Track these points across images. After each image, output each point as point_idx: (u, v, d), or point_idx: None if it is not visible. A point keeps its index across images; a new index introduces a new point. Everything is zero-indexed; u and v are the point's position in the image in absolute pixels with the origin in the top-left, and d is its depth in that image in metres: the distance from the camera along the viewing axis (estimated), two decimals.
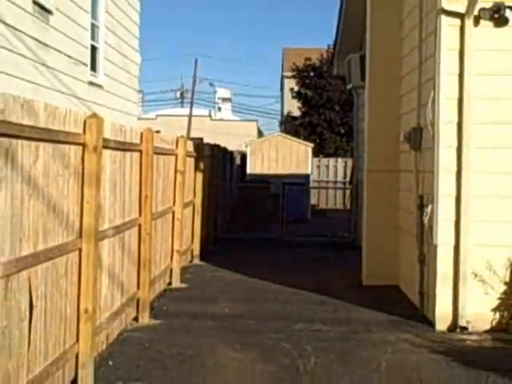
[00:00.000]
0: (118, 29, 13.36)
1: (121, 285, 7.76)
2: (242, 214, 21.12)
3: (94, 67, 12.07)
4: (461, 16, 8.34)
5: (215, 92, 57.13)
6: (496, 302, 8.61)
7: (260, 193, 21.83)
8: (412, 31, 10.20)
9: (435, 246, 8.69)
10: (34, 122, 4.77)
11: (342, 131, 32.93)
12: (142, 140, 8.39)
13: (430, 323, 8.82)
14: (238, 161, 24.48)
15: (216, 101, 56.81)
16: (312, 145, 26.99)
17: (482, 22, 8.36)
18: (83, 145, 5.88)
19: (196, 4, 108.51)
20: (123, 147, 7.52)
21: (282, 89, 48.64)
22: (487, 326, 8.58)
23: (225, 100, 57.77)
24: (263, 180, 23.14)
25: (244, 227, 19.73)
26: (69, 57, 10.67)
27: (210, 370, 6.92)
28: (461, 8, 8.31)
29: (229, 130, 39.21)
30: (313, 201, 26.54)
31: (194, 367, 6.96)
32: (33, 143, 4.82)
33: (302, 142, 27.08)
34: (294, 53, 39.75)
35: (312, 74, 33.18)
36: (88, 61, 11.77)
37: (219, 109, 55.30)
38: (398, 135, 11.03)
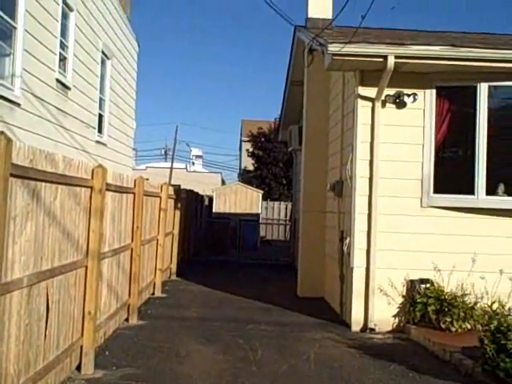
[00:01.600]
0: (119, 102, 13.37)
1: (116, 293, 7.66)
2: (208, 242, 21.03)
3: (100, 130, 12.03)
4: (372, 100, 8.50)
5: (190, 150, 57.09)
6: (396, 310, 8.69)
7: (222, 226, 21.76)
8: (336, 110, 10.36)
9: (352, 268, 8.75)
10: (54, 169, 4.76)
11: (284, 182, 33.09)
12: (135, 185, 8.36)
13: (348, 325, 8.84)
14: (206, 202, 24.38)
15: (191, 157, 56.76)
16: (262, 192, 27.09)
17: (387, 104, 8.53)
18: (91, 187, 5.85)
19: (175, 73, 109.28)
20: (121, 190, 7.48)
21: (240, 149, 48.88)
22: (389, 328, 8.63)
23: (197, 157, 57.73)
24: (225, 217, 23.10)
25: (210, 252, 19.64)
26: (81, 122, 10.63)
27: (182, 358, 6.82)
28: (372, 94, 8.48)
29: (200, 180, 39.10)
30: (262, 233, 26.50)
31: (169, 356, 6.85)
32: (53, 185, 4.79)
33: (255, 189, 27.14)
34: (249, 123, 40.04)
35: (263, 139, 33.47)
36: (96, 125, 11.73)
37: (193, 163, 55.21)
38: (326, 185, 11.16)
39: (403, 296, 8.65)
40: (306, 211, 11.53)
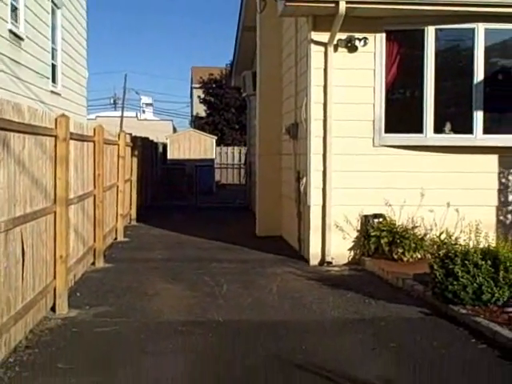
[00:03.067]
0: (71, 51, 13.06)
1: (83, 238, 7.75)
2: (165, 188, 21.05)
3: (54, 80, 11.78)
4: (325, 44, 8.58)
5: (140, 99, 55.92)
6: (351, 244, 9.04)
7: (178, 172, 21.81)
8: (290, 55, 10.41)
9: (309, 206, 9.02)
10: (21, 119, 4.75)
11: (237, 127, 33.08)
12: (94, 133, 8.34)
13: (306, 260, 9.15)
14: (160, 149, 24.27)
15: (141, 105, 55.69)
16: (215, 137, 27.05)
17: (339, 48, 8.64)
18: (55, 136, 5.86)
19: (123, 26, 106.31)
20: (82, 138, 7.47)
21: (191, 96, 48.30)
22: (345, 261, 8.99)
23: (148, 105, 56.67)
24: (180, 163, 23.09)
25: (167, 198, 19.70)
26: (36, 72, 10.40)
27: (151, 296, 7.00)
28: (325, 39, 8.55)
29: (151, 127, 38.49)
30: (217, 178, 26.64)
31: (139, 295, 7.03)
32: (21, 135, 4.80)
33: (208, 135, 27.10)
34: (200, 70, 39.44)
35: (214, 85, 33.17)
36: (50, 75, 11.48)
37: (143, 111, 54.20)
38: (281, 129, 11.32)
39: (358, 230, 8.99)
40: (262, 155, 11.69)
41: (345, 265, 8.95)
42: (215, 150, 26.90)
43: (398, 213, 8.90)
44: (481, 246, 8.84)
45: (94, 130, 8.30)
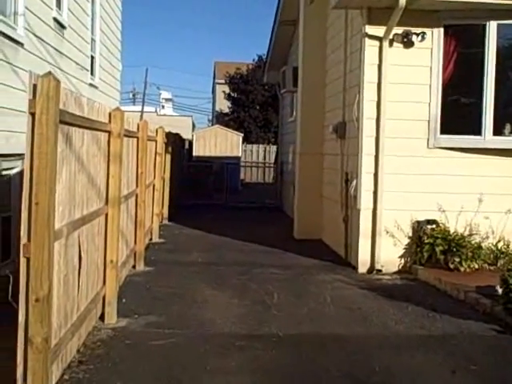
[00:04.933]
0: (108, 43, 12.75)
1: (126, 240, 7.42)
2: (191, 186, 20.68)
3: (92, 72, 11.48)
4: (379, 39, 8.16)
5: (160, 94, 55.82)
6: (402, 251, 8.62)
7: (205, 170, 21.45)
8: (336, 50, 10.01)
9: (359, 210, 8.62)
10: (82, 113, 4.41)
11: (262, 124, 32.67)
12: (138, 129, 8.01)
13: (354, 267, 8.75)
14: (186, 146, 23.95)
15: (160, 100, 55.55)
16: (242, 134, 26.70)
17: (395, 43, 8.23)
18: (109, 132, 5.51)
19: (143, 19, 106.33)
20: (129, 134, 7.14)
21: (213, 92, 47.94)
22: (395, 269, 8.58)
23: (167, 100, 56.55)
24: (207, 160, 22.75)
25: (193, 196, 19.35)
26: (76, 63, 10.09)
27: (200, 304, 6.65)
28: (380, 33, 8.15)
29: (170, 123, 38.06)
30: (241, 176, 26.29)
31: (187, 302, 6.67)
32: (81, 130, 4.45)
33: (235, 132, 26.75)
34: (223, 65, 39.11)
35: (240, 80, 32.76)
36: (89, 67, 11.17)
37: (163, 107, 54.07)
38: (322, 127, 10.93)
39: (409, 237, 8.58)
40: (303, 153, 11.29)
41: (395, 273, 8.54)
42: (241, 148, 26.49)
43: (452, 219, 8.47)
44: None
45: (138, 125, 7.96)
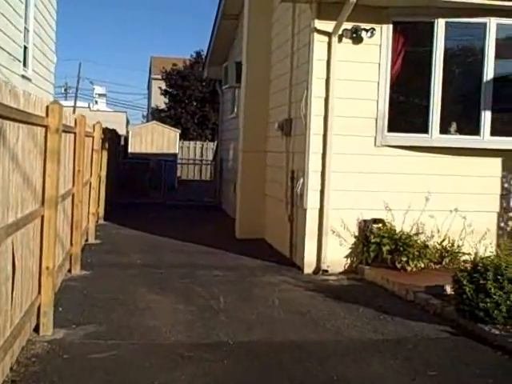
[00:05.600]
0: (42, 33, 12.05)
1: (62, 243, 6.92)
2: (126, 184, 20.05)
3: (25, 63, 10.79)
4: (329, 34, 7.97)
5: (93, 88, 54.20)
6: (348, 251, 8.48)
7: (141, 167, 20.84)
8: (282, 45, 9.75)
9: (305, 210, 8.41)
10: (17, 105, 3.97)
11: (199, 121, 32.14)
12: (76, 124, 7.52)
13: (299, 268, 8.54)
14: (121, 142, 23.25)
15: (94, 95, 53.95)
16: (179, 131, 26.15)
17: (344, 39, 8.05)
18: (46, 126, 5.05)
19: (77, 14, 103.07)
20: (66, 129, 6.64)
21: (149, 88, 46.95)
22: (341, 269, 8.43)
23: (101, 95, 54.97)
24: (144, 157, 22.11)
25: (129, 194, 18.75)
26: (9, 54, 9.43)
27: (142, 310, 6.26)
28: (329, 28, 7.96)
29: (104, 119, 36.99)
30: (177, 174, 25.74)
31: (129, 309, 6.27)
32: (16, 124, 4.00)
33: (172, 128, 26.10)
34: (160, 60, 38.22)
35: (177, 76, 32.08)
36: (21, 58, 10.49)
37: (96, 102, 52.49)
38: (267, 124, 10.69)
39: (355, 236, 8.44)
40: (246, 151, 10.99)
41: (341, 273, 8.38)
42: (178, 145, 25.94)
43: (399, 218, 8.39)
44: (484, 254, 8.58)
45: (76, 120, 7.47)
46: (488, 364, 5.05)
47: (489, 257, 6.19)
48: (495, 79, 8.24)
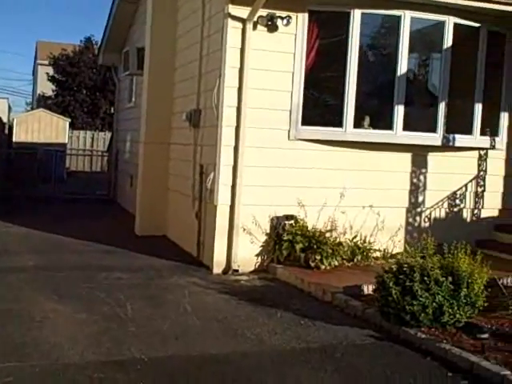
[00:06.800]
0: None
1: None
2: (11, 175, 18.60)
3: None
4: (243, 21, 7.48)
5: None
6: (259, 249, 8.08)
7: (28, 158, 19.41)
8: (191, 31, 9.13)
9: (215, 206, 7.90)
10: None
11: (89, 110, 30.61)
12: None
13: (208, 267, 8.04)
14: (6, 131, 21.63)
15: None
16: (69, 119, 24.72)
17: (259, 27, 7.59)
18: None
19: None
20: None
21: (34, 73, 44.36)
22: (252, 268, 8.02)
23: None
24: (30, 147, 20.63)
25: (16, 187, 17.38)
26: None
27: (39, 322, 5.52)
28: (244, 14, 7.47)
29: None
30: (66, 164, 24.29)
31: (24, 321, 5.51)
32: None
33: (61, 117, 24.58)
34: (47, 45, 36.09)
35: (66, 62, 30.31)
36: None
37: None
38: (172, 115, 10.06)
39: (267, 234, 8.06)
40: (148, 143, 10.27)
41: (252, 272, 7.97)
42: (67, 134, 24.50)
43: (314, 214, 8.10)
44: (393, 251, 8.50)
45: None
46: (421, 372, 4.79)
47: (412, 256, 5.96)
48: (409, 74, 8.12)
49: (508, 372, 4.56)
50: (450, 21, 8.12)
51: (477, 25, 8.36)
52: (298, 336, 5.53)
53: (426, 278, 5.47)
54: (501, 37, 8.67)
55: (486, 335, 5.06)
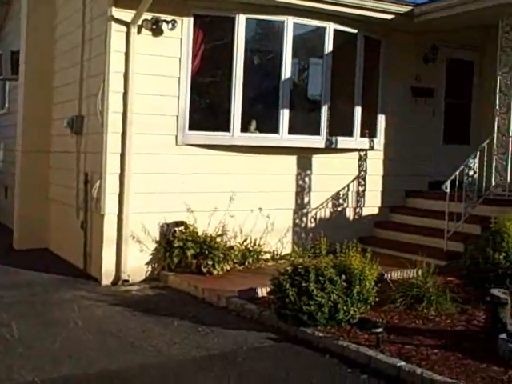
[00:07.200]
0: None
1: None
2: None
3: None
4: (127, 24, 7.27)
5: None
6: (149, 258, 7.90)
7: None
8: (71, 34, 8.72)
9: (102, 215, 7.62)
10: None
11: None
12: None
13: (96, 279, 7.74)
14: None
15: None
16: None
17: (144, 30, 7.41)
18: None
19: None
20: None
21: None
22: (143, 277, 7.83)
23: None
24: None
25: None
26: None
27: None
28: (128, 17, 7.26)
29: None
30: None
31: None
32: None
33: None
34: None
35: None
36: None
37: None
38: (51, 121, 9.59)
39: (157, 241, 7.89)
40: (25, 151, 9.68)
41: (143, 282, 7.77)
42: None
43: (203, 219, 8.03)
44: (282, 252, 8.62)
45: None
46: (323, 371, 4.85)
47: (306, 257, 6.07)
48: (293, 78, 8.27)
49: (403, 363, 4.75)
50: (331, 27, 8.39)
51: (355, 31, 8.69)
52: (198, 344, 5.44)
53: (320, 278, 5.57)
54: (377, 43, 9.07)
55: (380, 329, 5.21)
